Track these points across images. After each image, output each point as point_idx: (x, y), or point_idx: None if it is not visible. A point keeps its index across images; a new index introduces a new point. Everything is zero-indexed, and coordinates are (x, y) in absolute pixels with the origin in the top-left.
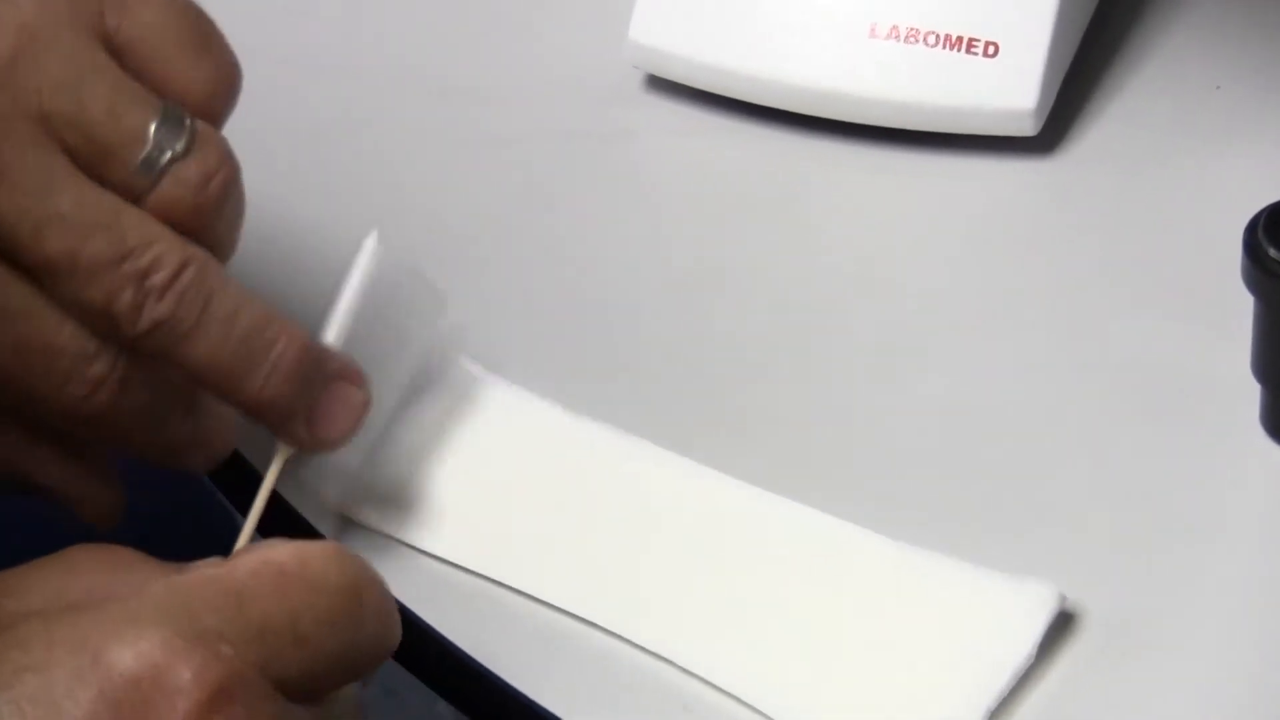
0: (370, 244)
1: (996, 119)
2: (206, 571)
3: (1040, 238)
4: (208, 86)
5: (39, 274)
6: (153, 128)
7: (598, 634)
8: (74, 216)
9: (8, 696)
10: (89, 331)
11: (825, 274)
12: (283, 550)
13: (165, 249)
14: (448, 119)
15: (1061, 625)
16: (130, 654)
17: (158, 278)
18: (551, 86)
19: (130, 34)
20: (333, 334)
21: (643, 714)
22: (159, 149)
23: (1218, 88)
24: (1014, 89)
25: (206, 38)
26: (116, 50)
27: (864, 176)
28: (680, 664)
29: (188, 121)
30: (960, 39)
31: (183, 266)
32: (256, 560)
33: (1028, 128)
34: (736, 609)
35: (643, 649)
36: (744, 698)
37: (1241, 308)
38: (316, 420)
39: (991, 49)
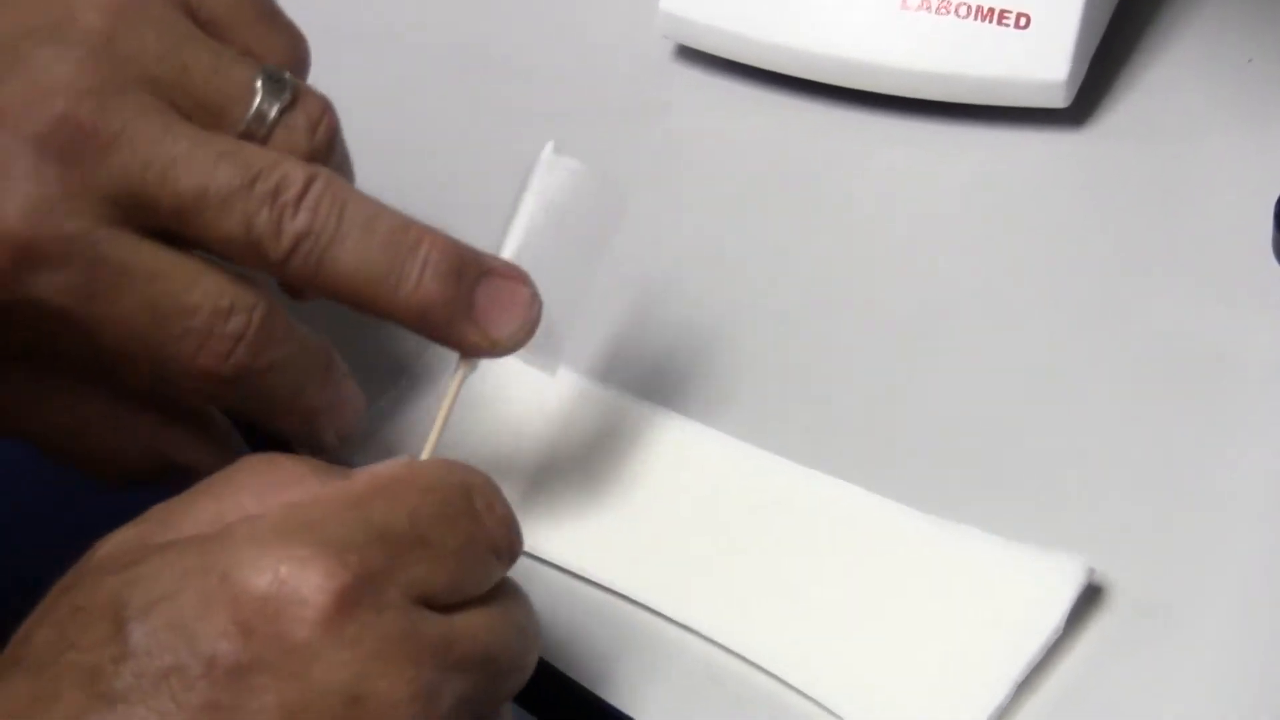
0: (546, 155)
1: (1027, 90)
2: (322, 489)
3: (1070, 211)
4: (288, 54)
5: (172, 221)
6: (258, 83)
7: (625, 605)
8: (197, 153)
9: (145, 629)
10: (221, 288)
11: (855, 246)
12: (393, 464)
13: (290, 167)
14: (478, 92)
15: (1089, 598)
16: (255, 572)
17: (290, 193)
18: (582, 58)
19: (211, 9)
20: (510, 248)
21: (669, 682)
22: (267, 102)
23: (1250, 61)
24: (1045, 60)
25: (275, 12)
26: (200, 24)
27: (895, 148)
28: (708, 635)
29: (286, 76)
30: (992, 10)
31: (311, 179)
32: (368, 474)
33: (1059, 100)
34: (767, 580)
35: (673, 621)
36: (772, 669)
37: (1271, 282)
38: (481, 318)
39: (1023, 20)
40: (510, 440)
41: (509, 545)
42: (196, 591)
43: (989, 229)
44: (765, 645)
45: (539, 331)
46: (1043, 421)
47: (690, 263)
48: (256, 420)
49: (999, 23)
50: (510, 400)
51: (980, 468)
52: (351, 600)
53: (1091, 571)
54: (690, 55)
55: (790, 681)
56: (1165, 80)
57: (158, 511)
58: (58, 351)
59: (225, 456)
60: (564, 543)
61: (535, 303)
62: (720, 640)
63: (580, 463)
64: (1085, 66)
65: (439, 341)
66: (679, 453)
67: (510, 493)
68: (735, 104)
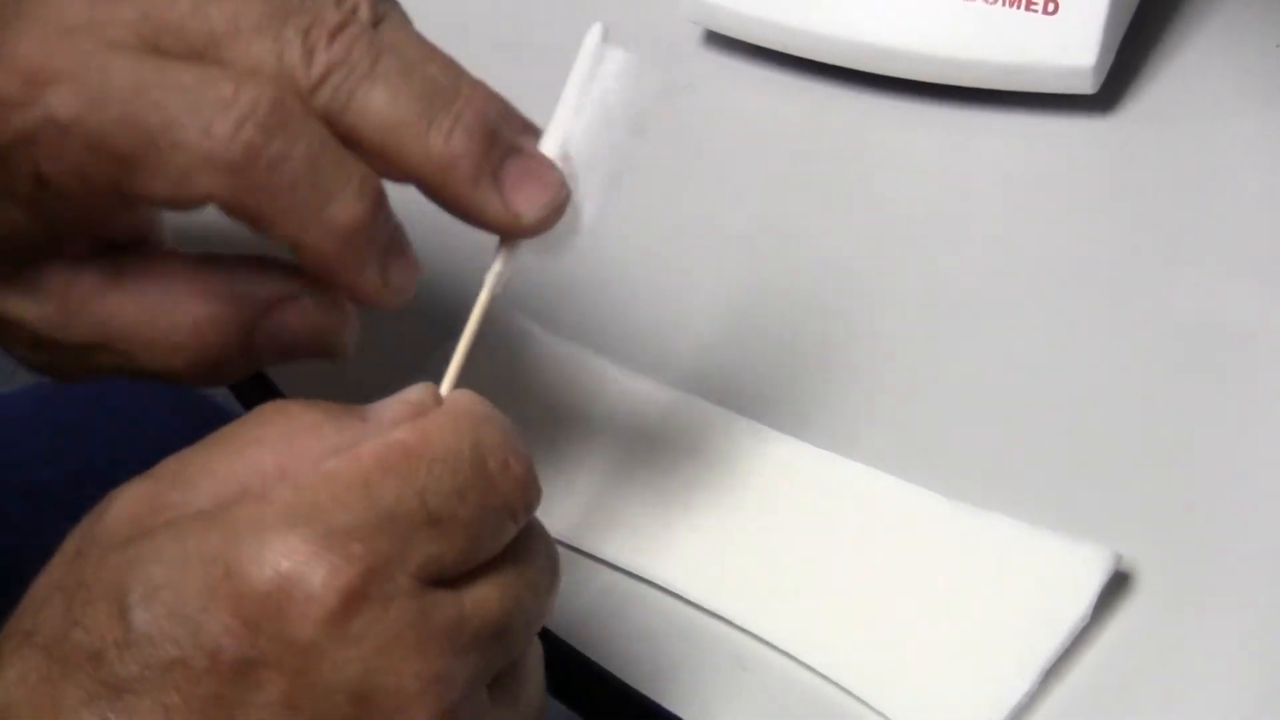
0: (592, 42)
1: (1056, 76)
2: (332, 465)
3: (1099, 195)
4: None
5: (201, 47)
6: None
7: (643, 588)
8: None
9: (147, 616)
10: (229, 75)
11: (884, 231)
12: (405, 427)
13: (329, 5)
14: (503, 75)
15: (1116, 585)
16: (258, 566)
17: (326, 26)
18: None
19: None
20: (554, 139)
21: (697, 669)
22: None
23: (1278, 46)
24: (1074, 46)
25: None
26: None
27: (924, 133)
28: (737, 622)
29: None
30: None
31: (349, 18)
32: (380, 444)
33: (1087, 85)
34: (794, 567)
35: (698, 606)
36: (800, 655)
37: None
38: (507, 189)
39: (1052, 6)
40: (560, 430)
41: (525, 503)
42: (200, 581)
43: (1017, 214)
44: (794, 633)
45: (563, 223)
46: (1069, 406)
47: (717, 248)
48: (280, 234)
49: (1027, 8)
50: (557, 387)
51: (1007, 453)
52: (357, 595)
53: (1119, 559)
54: (718, 40)
55: (820, 669)
56: (1192, 66)
57: (171, 464)
58: (93, 208)
59: (337, 314)
60: (602, 537)
61: (564, 188)
62: (750, 628)
63: (622, 455)
64: (1113, 52)
65: (459, 210)
66: (714, 442)
67: (555, 482)
68: (761, 89)
